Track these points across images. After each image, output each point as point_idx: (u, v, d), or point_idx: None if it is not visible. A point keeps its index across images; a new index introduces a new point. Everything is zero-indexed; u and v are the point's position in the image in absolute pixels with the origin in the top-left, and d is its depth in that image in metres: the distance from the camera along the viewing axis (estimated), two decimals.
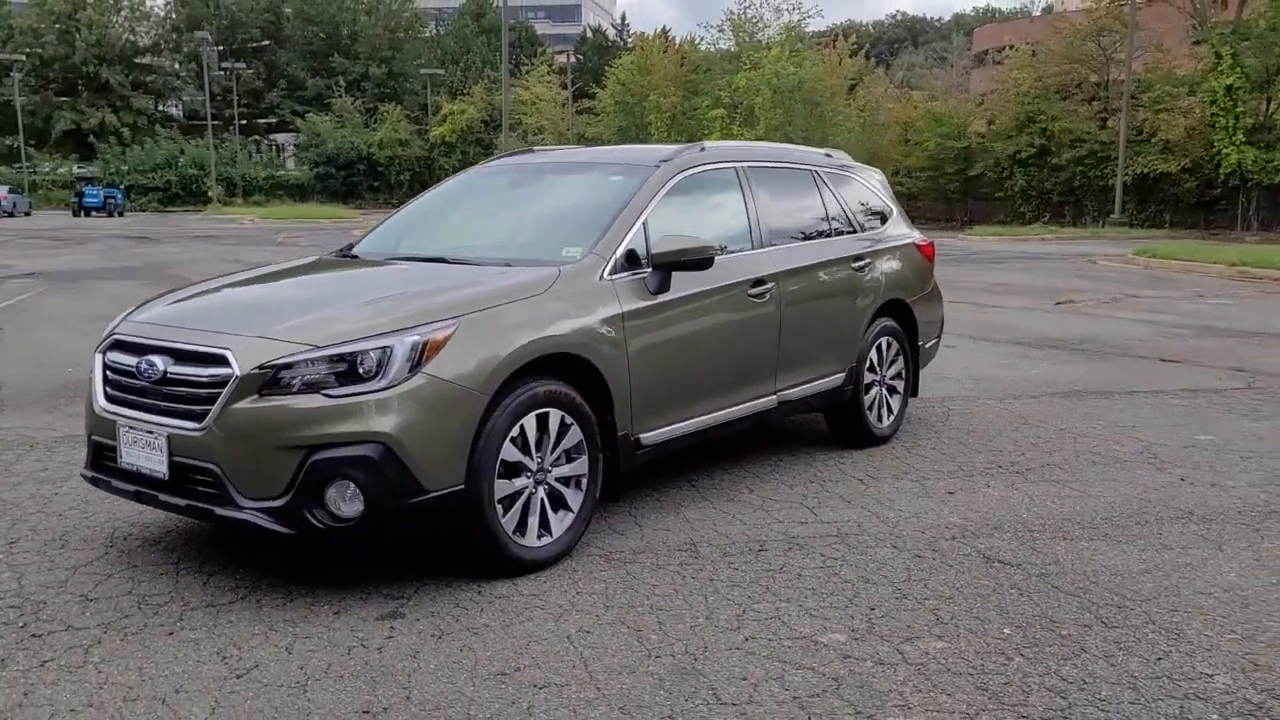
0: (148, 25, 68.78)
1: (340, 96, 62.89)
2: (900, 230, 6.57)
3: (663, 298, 4.54)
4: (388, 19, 71.90)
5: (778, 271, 5.25)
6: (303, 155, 64.35)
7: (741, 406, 5.09)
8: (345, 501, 3.61)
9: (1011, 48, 44.37)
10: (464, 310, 3.87)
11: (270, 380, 3.60)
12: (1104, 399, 7.49)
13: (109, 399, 4.01)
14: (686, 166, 5.05)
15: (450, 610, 3.68)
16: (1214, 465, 5.68)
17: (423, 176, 56.78)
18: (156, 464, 3.76)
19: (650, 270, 4.52)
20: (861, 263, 5.94)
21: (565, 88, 56.89)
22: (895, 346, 6.21)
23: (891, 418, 6.20)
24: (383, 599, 3.78)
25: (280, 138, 70.80)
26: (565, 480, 4.16)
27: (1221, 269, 18.80)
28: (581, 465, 4.19)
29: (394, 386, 3.62)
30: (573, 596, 3.82)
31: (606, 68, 52.75)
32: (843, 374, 5.77)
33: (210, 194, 54.32)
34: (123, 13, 66.98)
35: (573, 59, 63.59)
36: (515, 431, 3.90)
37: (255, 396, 3.60)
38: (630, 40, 63.20)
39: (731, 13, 47.30)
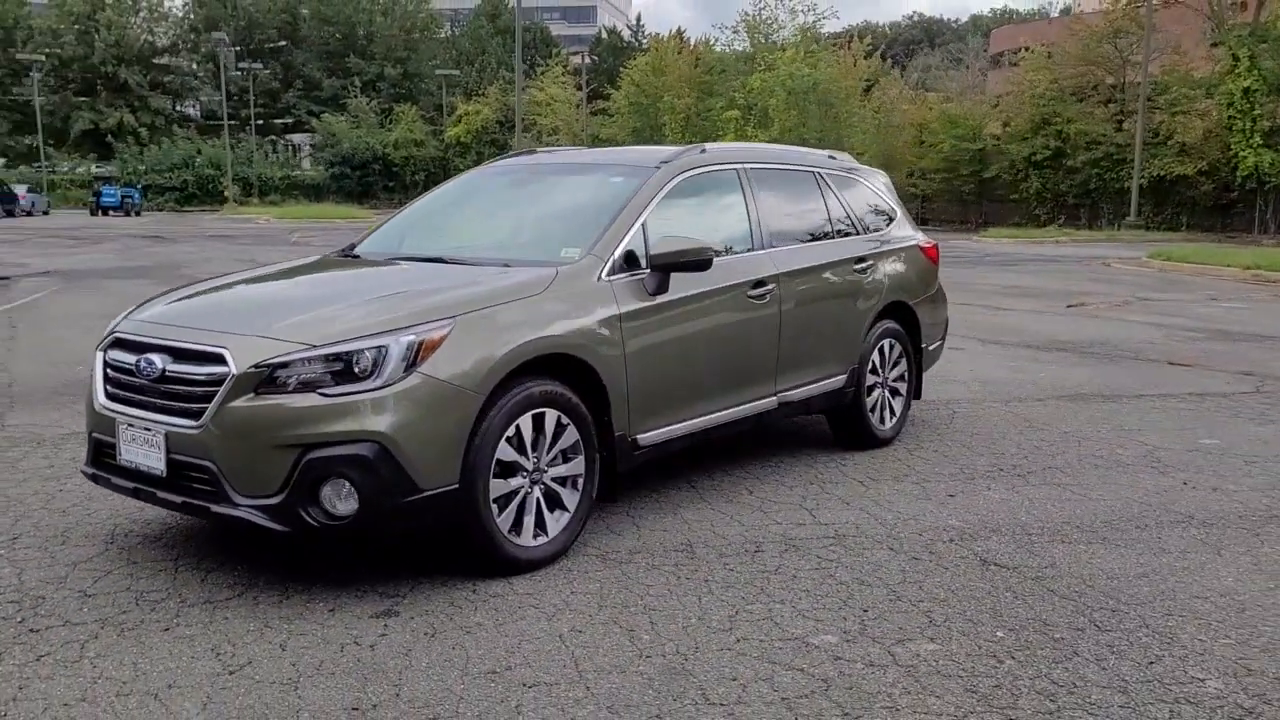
0: (166, 26, 69.19)
1: (356, 97, 63.10)
2: (904, 232, 6.56)
3: (661, 298, 4.55)
4: (403, 20, 72.11)
5: (778, 273, 5.25)
6: (318, 155, 64.60)
7: (741, 408, 5.10)
8: (340, 500, 3.63)
9: (1027, 49, 44.18)
10: (460, 310, 3.88)
11: (266, 379, 3.63)
12: (1110, 402, 7.46)
13: (109, 396, 4.04)
14: (687, 168, 5.06)
15: (444, 609, 3.70)
16: (1217, 469, 5.66)
17: (437, 177, 56.81)
18: (154, 461, 3.80)
19: (649, 271, 4.53)
20: (864, 264, 5.93)
21: (580, 89, 56.93)
22: (898, 348, 6.21)
23: (894, 420, 6.20)
24: (378, 597, 3.80)
25: (296, 138, 71.13)
26: (561, 480, 4.17)
27: (1236, 272, 18.69)
28: (578, 465, 4.20)
29: (389, 386, 3.64)
30: (567, 596, 3.83)
31: (621, 69, 52.77)
32: (844, 376, 5.77)
33: (226, 194, 54.60)
34: (141, 13, 67.37)
35: (587, 60, 63.61)
36: (511, 431, 3.92)
37: (251, 395, 3.63)
38: (645, 41, 63.22)
39: (746, 14, 47.33)
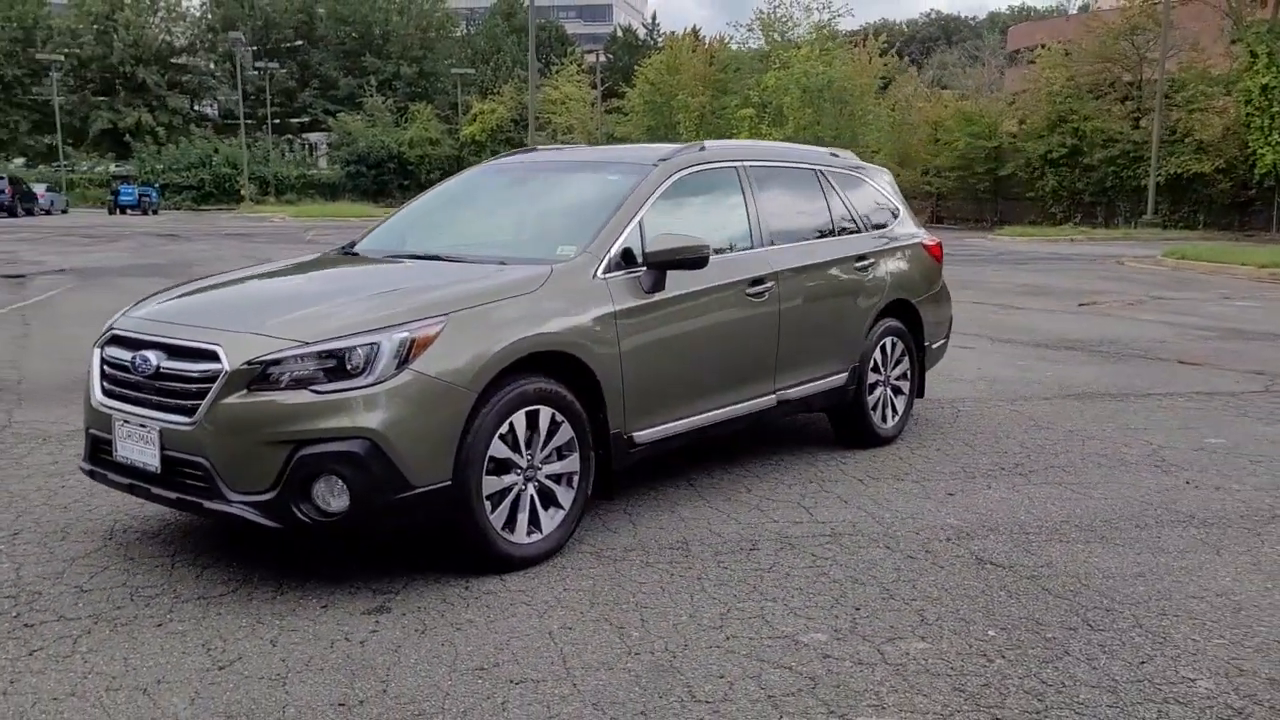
0: (183, 26, 69.66)
1: (372, 96, 63.31)
2: (907, 230, 6.53)
3: (658, 296, 4.55)
4: (419, 19, 72.33)
5: (777, 271, 5.24)
6: (334, 154, 64.83)
7: (739, 406, 5.09)
8: (332, 496, 3.64)
9: (1044, 47, 43.94)
10: (453, 307, 3.89)
11: (259, 376, 3.64)
12: (1117, 401, 7.42)
13: (105, 393, 4.07)
14: (685, 166, 5.05)
15: (437, 605, 3.71)
16: (1222, 469, 5.62)
17: (452, 175, 57.00)
18: (149, 457, 3.82)
19: (645, 269, 4.52)
20: (865, 262, 5.91)
21: (595, 87, 56.95)
22: (900, 347, 6.18)
23: (896, 418, 6.17)
24: (371, 594, 3.81)
25: (312, 137, 71.46)
26: (556, 478, 4.17)
27: (1251, 271, 18.54)
28: (573, 463, 4.20)
29: (381, 383, 3.65)
30: (559, 593, 3.83)
31: (636, 67, 52.74)
32: (845, 374, 5.75)
33: (243, 192, 54.90)
34: (159, 13, 67.85)
35: (602, 58, 63.64)
36: (504, 429, 3.92)
37: (244, 391, 3.64)
38: (660, 40, 63.17)
39: (761, 12, 47.20)
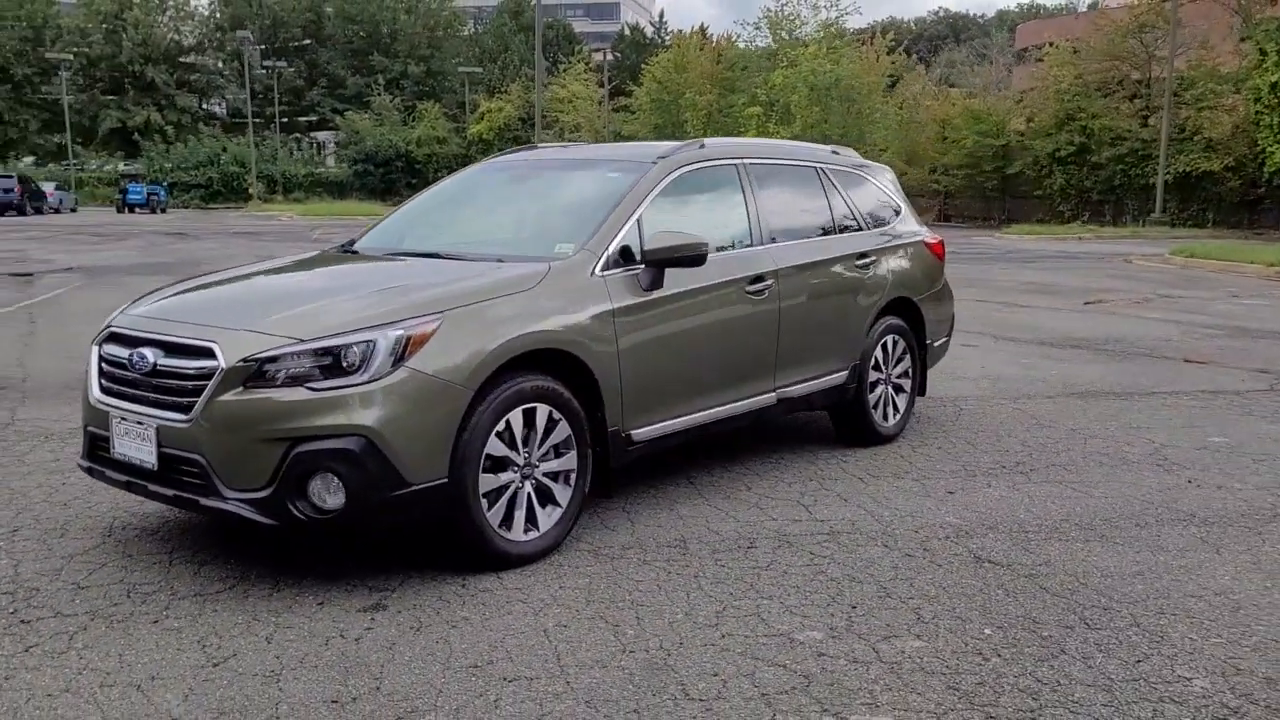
0: (192, 25, 69.89)
1: (379, 94, 63.42)
2: (909, 228, 6.52)
3: (656, 294, 4.54)
4: (427, 17, 72.44)
5: (777, 268, 5.23)
6: (342, 153, 64.98)
7: (739, 403, 5.08)
8: (328, 494, 3.64)
9: (1052, 44, 43.82)
10: (449, 305, 3.89)
11: (255, 373, 3.65)
12: (1120, 400, 7.39)
13: (103, 390, 4.08)
14: (684, 163, 5.04)
15: (432, 603, 3.71)
16: (1224, 467, 5.59)
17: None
18: (146, 455, 3.83)
19: (643, 267, 4.52)
20: (866, 260, 5.90)
21: (602, 85, 56.94)
22: (902, 345, 6.17)
23: (897, 416, 6.16)
24: (367, 591, 3.81)
25: (320, 135, 71.65)
26: (553, 475, 4.17)
27: (1259, 269, 18.47)
28: (570, 461, 4.20)
29: (376, 380, 3.64)
30: (555, 591, 3.83)
31: (643, 65, 52.73)
32: (846, 372, 5.74)
33: (251, 191, 55.04)
34: (168, 12, 68.07)
35: (610, 57, 63.64)
36: (501, 426, 3.92)
37: (240, 389, 3.65)
38: (668, 38, 63.14)
39: (769, 10, 47.10)
